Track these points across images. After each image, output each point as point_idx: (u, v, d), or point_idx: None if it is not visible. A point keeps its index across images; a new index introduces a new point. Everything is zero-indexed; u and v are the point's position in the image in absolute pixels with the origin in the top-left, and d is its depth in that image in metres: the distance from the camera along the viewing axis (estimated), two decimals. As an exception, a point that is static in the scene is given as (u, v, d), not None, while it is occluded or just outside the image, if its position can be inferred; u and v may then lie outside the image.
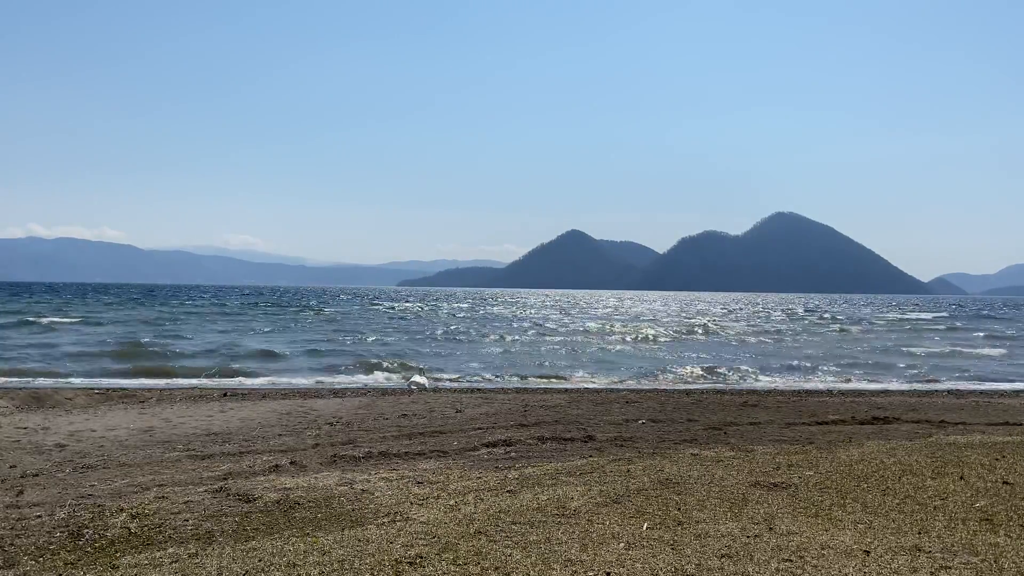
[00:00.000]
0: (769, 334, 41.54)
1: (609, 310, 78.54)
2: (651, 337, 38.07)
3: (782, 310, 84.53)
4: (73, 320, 40.88)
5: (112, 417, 11.85)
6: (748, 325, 50.40)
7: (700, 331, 42.61)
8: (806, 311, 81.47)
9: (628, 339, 36.60)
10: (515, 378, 20.95)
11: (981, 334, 43.13)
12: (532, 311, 71.27)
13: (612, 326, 45.72)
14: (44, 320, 38.94)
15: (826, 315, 70.27)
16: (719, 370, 23.29)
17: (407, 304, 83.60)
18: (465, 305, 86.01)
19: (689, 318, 60.29)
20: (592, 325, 46.68)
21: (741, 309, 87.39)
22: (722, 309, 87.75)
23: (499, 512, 5.21)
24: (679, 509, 5.25)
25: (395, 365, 22.98)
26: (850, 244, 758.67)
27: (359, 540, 4.62)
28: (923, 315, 71.74)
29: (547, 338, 36.16)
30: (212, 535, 4.88)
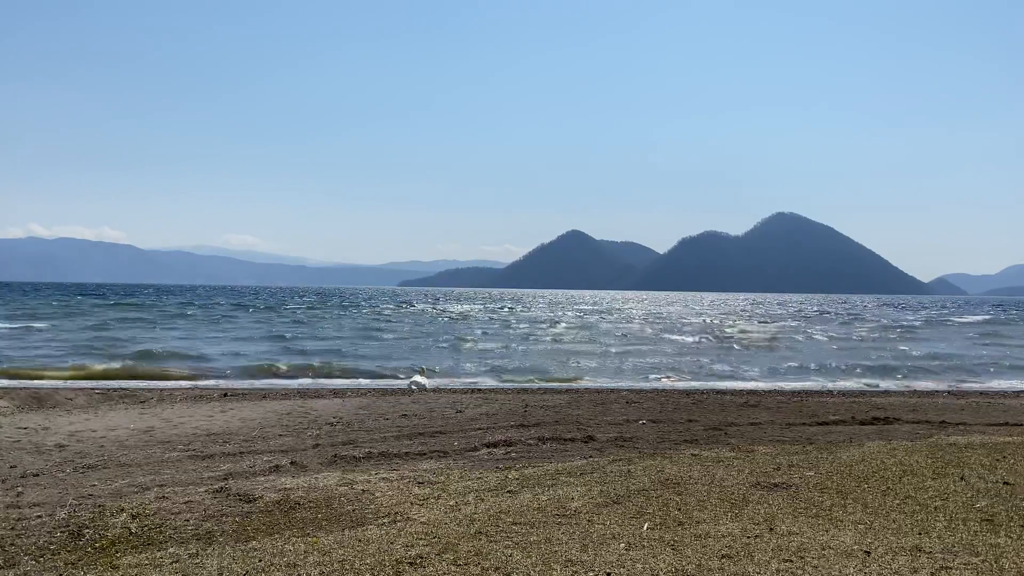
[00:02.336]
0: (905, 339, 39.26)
1: (641, 311, 75.65)
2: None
3: (810, 310, 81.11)
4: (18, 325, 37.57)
5: (112, 417, 11.85)
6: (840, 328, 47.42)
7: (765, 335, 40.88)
8: (849, 315, 77.04)
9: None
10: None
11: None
12: (574, 313, 67.30)
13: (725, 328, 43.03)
14: None
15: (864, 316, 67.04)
16: None
17: (431, 306, 79.70)
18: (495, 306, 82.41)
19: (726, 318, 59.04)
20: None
21: (777, 311, 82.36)
22: (763, 310, 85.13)
23: (499, 512, 5.21)
24: (679, 509, 5.24)
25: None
26: (850, 244, 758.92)
27: (359, 540, 4.62)
28: (969, 318, 67.77)
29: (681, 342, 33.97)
30: (212, 535, 4.88)
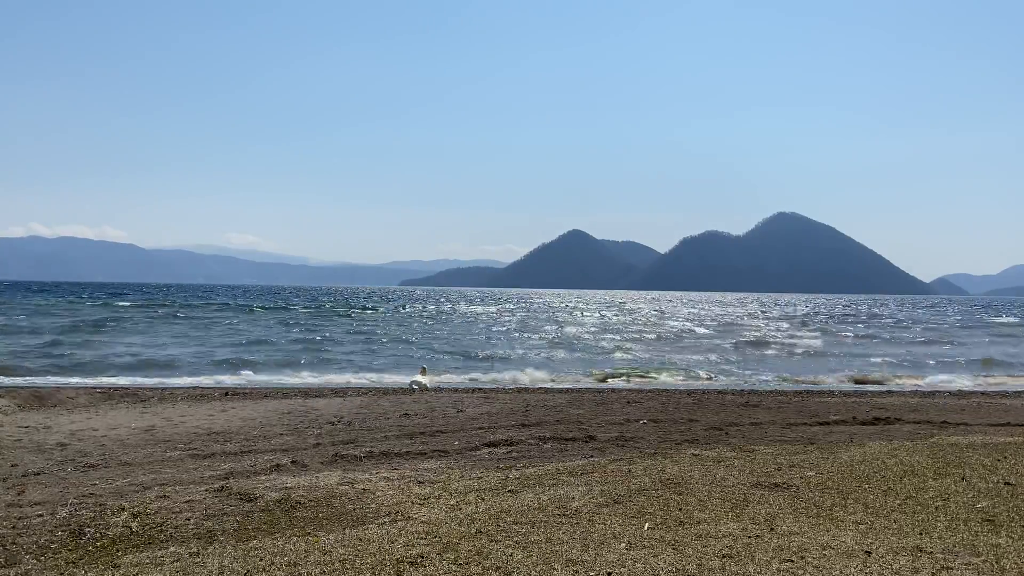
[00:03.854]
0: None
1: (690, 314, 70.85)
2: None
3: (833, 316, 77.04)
4: None
5: (113, 416, 11.86)
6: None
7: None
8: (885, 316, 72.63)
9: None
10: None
11: None
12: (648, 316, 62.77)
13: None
14: None
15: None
16: None
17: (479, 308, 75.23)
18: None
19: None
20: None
21: (817, 312, 78.32)
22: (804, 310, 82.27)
23: (500, 512, 5.21)
24: (680, 509, 5.24)
25: None
26: (851, 244, 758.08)
27: (360, 540, 4.62)
28: (1002, 319, 65.72)
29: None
30: (213, 534, 4.88)
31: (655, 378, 21.69)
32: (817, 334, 41.68)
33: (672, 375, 22.41)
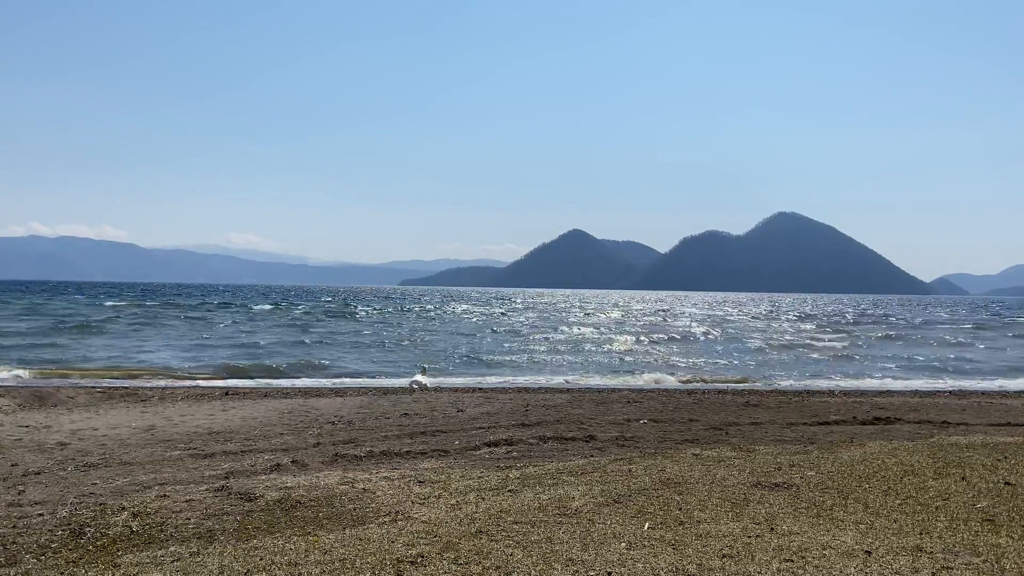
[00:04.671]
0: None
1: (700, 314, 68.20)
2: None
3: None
4: None
5: (114, 415, 11.86)
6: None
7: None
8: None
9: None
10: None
11: None
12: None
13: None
14: None
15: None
16: None
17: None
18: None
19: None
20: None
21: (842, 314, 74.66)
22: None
23: (500, 511, 5.21)
24: (680, 509, 5.24)
25: None
26: (852, 244, 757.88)
27: (360, 539, 4.62)
28: None
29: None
30: (213, 534, 4.88)
31: (683, 380, 21.21)
32: (843, 336, 41.14)
33: (711, 378, 21.65)
